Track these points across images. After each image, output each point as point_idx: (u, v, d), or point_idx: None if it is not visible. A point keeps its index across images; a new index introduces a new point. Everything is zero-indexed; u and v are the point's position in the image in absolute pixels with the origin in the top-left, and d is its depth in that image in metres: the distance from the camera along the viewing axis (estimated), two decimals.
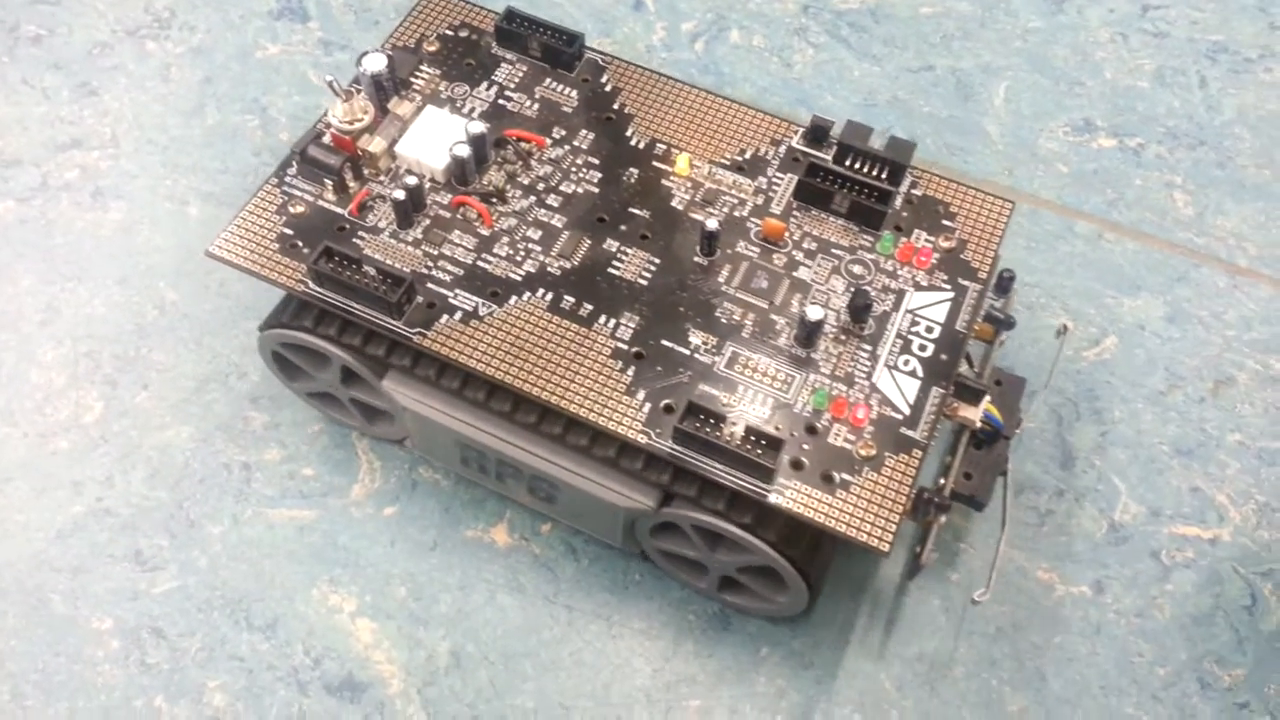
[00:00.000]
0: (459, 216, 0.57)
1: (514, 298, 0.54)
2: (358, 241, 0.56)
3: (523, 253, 0.56)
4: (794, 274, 0.56)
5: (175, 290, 0.69)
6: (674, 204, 0.58)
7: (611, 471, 0.54)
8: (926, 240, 0.57)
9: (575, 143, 0.60)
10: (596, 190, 0.58)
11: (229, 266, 0.56)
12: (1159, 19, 0.85)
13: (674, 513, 0.53)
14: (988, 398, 0.55)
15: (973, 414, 0.54)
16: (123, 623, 0.59)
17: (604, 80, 0.62)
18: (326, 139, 0.58)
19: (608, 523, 0.57)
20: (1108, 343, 0.69)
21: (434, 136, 0.58)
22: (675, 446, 0.51)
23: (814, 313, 0.52)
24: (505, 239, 0.56)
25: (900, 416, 0.52)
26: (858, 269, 0.56)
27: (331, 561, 0.61)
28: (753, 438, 0.50)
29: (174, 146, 0.75)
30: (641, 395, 0.52)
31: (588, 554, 0.61)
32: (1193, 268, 0.72)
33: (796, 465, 0.51)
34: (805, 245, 0.57)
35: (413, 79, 0.61)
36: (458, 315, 0.54)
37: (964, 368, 0.56)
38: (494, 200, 0.57)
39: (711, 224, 0.55)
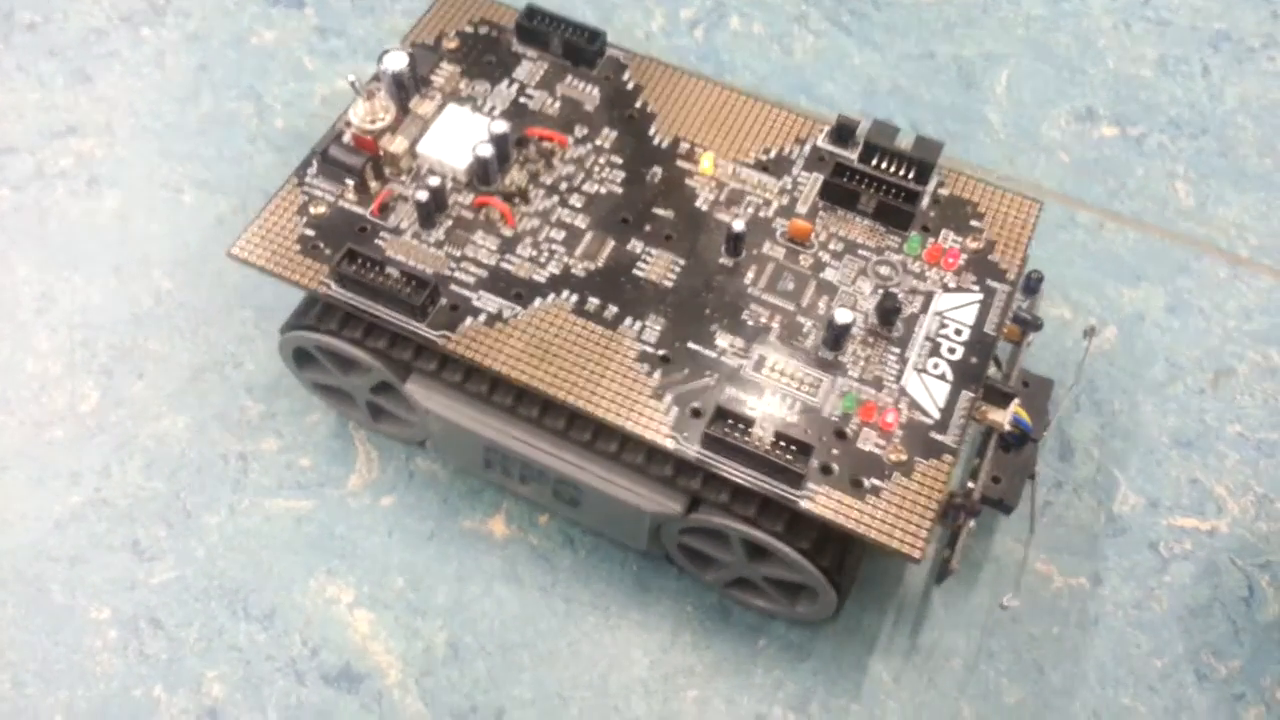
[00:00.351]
0: (481, 217, 0.56)
1: (538, 299, 0.54)
2: (379, 243, 0.55)
3: (546, 254, 0.55)
4: (821, 275, 0.55)
5: (170, 279, 0.69)
6: (698, 204, 0.57)
7: (639, 476, 0.53)
8: (954, 241, 0.57)
9: (598, 141, 0.59)
10: (620, 190, 0.58)
11: (251, 268, 0.55)
12: (1162, 6, 0.84)
13: (701, 518, 0.53)
14: (1016, 400, 0.54)
15: (1001, 417, 0.54)
16: (121, 612, 0.59)
17: (626, 78, 0.62)
18: (347, 138, 0.57)
19: (633, 527, 0.56)
20: (1108, 333, 0.69)
21: (455, 136, 0.57)
22: (703, 451, 0.50)
23: (842, 316, 0.51)
24: (528, 240, 0.56)
25: (930, 421, 0.51)
26: (885, 270, 0.56)
27: (329, 552, 0.61)
28: (782, 443, 0.49)
29: (169, 134, 0.75)
30: (668, 399, 0.52)
31: (585, 545, 0.61)
32: (1194, 258, 0.72)
33: (826, 470, 0.50)
34: (832, 246, 0.56)
35: (433, 76, 0.60)
36: (482, 317, 0.53)
37: (991, 369, 0.56)
38: (516, 200, 0.57)
39: (738, 225, 0.54)
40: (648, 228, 0.57)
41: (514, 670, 0.58)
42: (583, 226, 0.56)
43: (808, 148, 0.60)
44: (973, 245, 0.57)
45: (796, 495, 0.49)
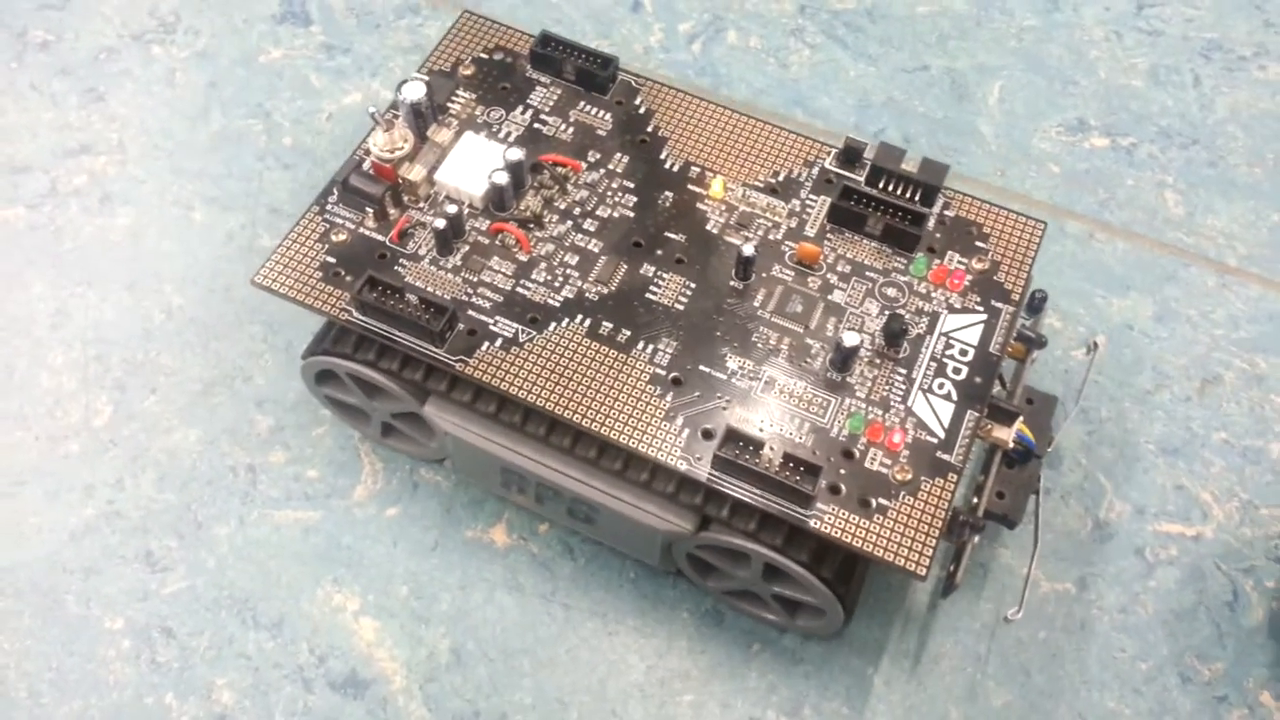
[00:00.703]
0: (497, 243, 0.58)
1: (553, 324, 0.55)
2: (399, 269, 0.57)
3: (561, 278, 0.57)
4: (829, 297, 0.57)
5: (181, 295, 0.71)
6: (709, 227, 0.59)
7: (648, 495, 0.55)
8: (959, 262, 0.58)
9: (610, 166, 0.61)
10: (632, 214, 0.59)
11: (274, 296, 0.56)
12: (1154, 16, 0.85)
13: (712, 536, 0.54)
14: (1020, 419, 0.55)
15: (1006, 434, 0.55)
16: (134, 622, 0.61)
17: (638, 102, 0.63)
18: (367, 167, 0.59)
19: (646, 545, 0.58)
20: (1094, 340, 0.70)
21: (472, 163, 0.59)
22: (714, 472, 0.52)
23: (850, 339, 0.53)
24: (543, 264, 0.57)
25: (935, 440, 0.53)
26: (891, 292, 0.57)
27: (335, 562, 0.63)
28: (791, 464, 0.51)
29: (180, 152, 0.77)
30: (680, 421, 0.53)
31: (584, 553, 0.63)
32: (1182, 267, 0.73)
33: (834, 490, 0.51)
34: (839, 268, 0.58)
35: (449, 104, 0.62)
36: (498, 342, 0.55)
37: (995, 387, 0.57)
38: (531, 226, 0.58)
39: (748, 249, 0.55)
40: (659, 252, 0.58)
41: (515, 676, 0.60)
42: (596, 251, 0.58)
43: (815, 170, 0.61)
44: (978, 266, 0.58)
45: (805, 515, 0.51)
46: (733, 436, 0.51)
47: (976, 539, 0.56)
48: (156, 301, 0.71)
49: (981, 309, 0.57)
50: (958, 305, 0.57)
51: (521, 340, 0.55)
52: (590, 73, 0.63)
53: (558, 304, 0.56)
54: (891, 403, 0.54)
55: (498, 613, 0.61)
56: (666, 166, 0.61)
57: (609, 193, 0.60)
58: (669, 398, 0.54)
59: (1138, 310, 0.71)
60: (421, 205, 0.59)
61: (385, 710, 0.59)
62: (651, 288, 0.57)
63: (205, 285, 0.71)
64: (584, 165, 0.60)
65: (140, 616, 0.61)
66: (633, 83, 0.64)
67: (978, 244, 0.59)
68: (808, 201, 0.60)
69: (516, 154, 0.57)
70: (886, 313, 0.56)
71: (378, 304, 0.54)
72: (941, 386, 0.54)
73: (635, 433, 0.53)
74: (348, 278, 0.56)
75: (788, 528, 0.52)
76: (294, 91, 0.80)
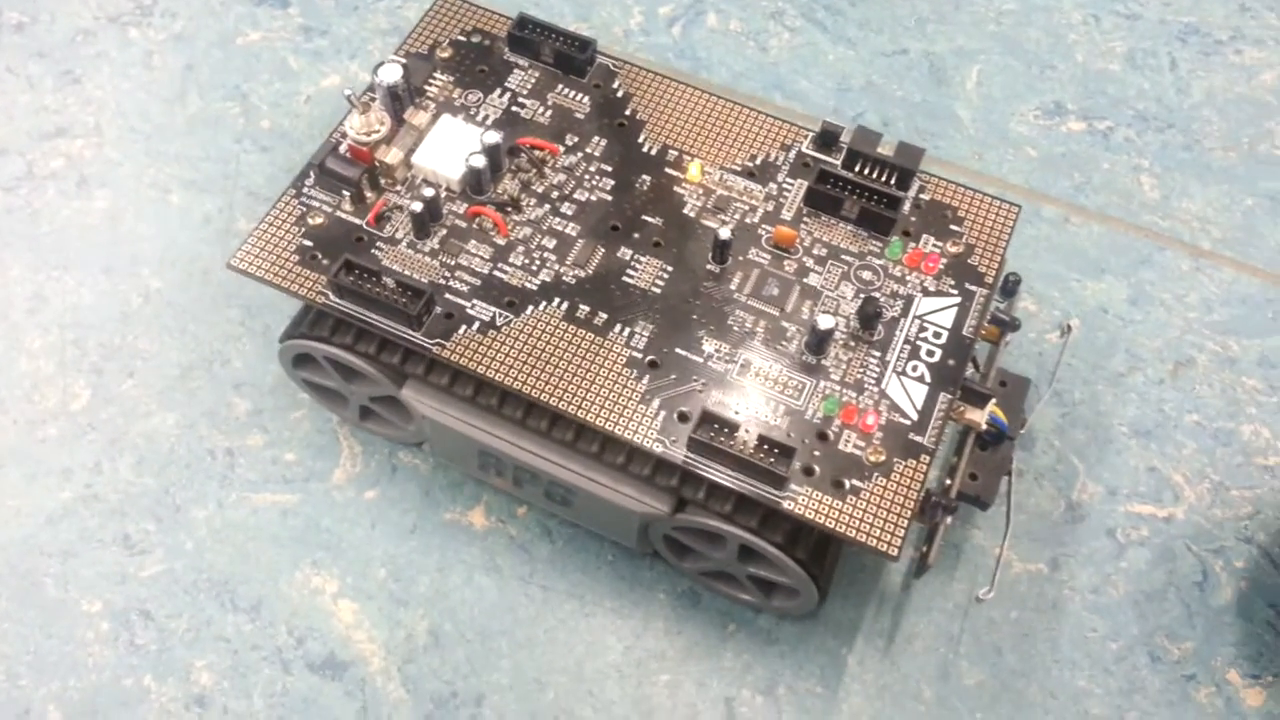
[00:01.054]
0: (475, 226, 0.58)
1: (530, 307, 0.55)
2: (376, 252, 0.57)
3: (538, 262, 0.57)
4: (804, 280, 0.57)
5: (159, 278, 0.71)
6: (686, 211, 0.59)
7: (625, 477, 0.55)
8: (934, 246, 0.58)
9: (588, 150, 0.61)
10: (610, 198, 0.59)
11: (251, 279, 0.56)
12: (1132, 0, 0.85)
13: (688, 518, 0.55)
14: (993, 401, 0.56)
15: (978, 417, 0.56)
16: (112, 605, 0.61)
17: (616, 86, 0.63)
18: (343, 150, 0.59)
19: (622, 527, 0.58)
20: (1068, 322, 0.70)
21: (449, 146, 0.59)
22: (690, 454, 0.52)
23: (824, 322, 0.53)
24: (521, 248, 0.57)
25: (908, 422, 0.53)
26: (867, 275, 0.57)
27: (314, 544, 0.63)
28: (765, 446, 0.51)
29: (157, 134, 0.77)
30: (656, 404, 0.53)
31: (562, 535, 0.64)
32: (1156, 250, 0.74)
33: (808, 471, 0.52)
34: (815, 251, 0.58)
35: (426, 86, 0.62)
36: (475, 326, 0.55)
37: (969, 369, 0.57)
38: (509, 209, 0.58)
39: (724, 233, 0.56)
40: (637, 235, 0.58)
41: (493, 657, 0.60)
42: (574, 234, 0.58)
43: (792, 154, 0.61)
44: (952, 249, 0.58)
45: (779, 496, 0.51)
46: (708, 419, 0.52)
47: (949, 520, 0.56)
48: (134, 285, 0.71)
49: (955, 292, 0.57)
50: (932, 288, 0.57)
51: (499, 324, 0.55)
52: (568, 56, 0.63)
53: (535, 287, 0.56)
54: (866, 385, 0.54)
55: (476, 594, 0.62)
56: (644, 150, 0.61)
57: (587, 176, 0.60)
58: (645, 380, 0.54)
59: (1112, 293, 0.72)
60: (398, 188, 0.59)
61: (364, 691, 0.59)
62: (629, 271, 0.57)
63: (183, 269, 0.71)
64: (561, 149, 0.60)
65: (119, 599, 0.61)
66: (611, 66, 0.64)
67: (952, 227, 0.59)
68: (784, 185, 0.60)
69: (494, 137, 0.57)
70: (861, 296, 0.56)
71: (354, 287, 0.54)
72: (915, 369, 0.55)
73: (612, 416, 0.53)
74: (324, 261, 0.56)
75: (763, 510, 0.53)
76: (272, 74, 0.80)
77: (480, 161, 0.57)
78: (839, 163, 0.60)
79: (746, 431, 0.52)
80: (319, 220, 0.58)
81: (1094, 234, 0.74)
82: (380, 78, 0.58)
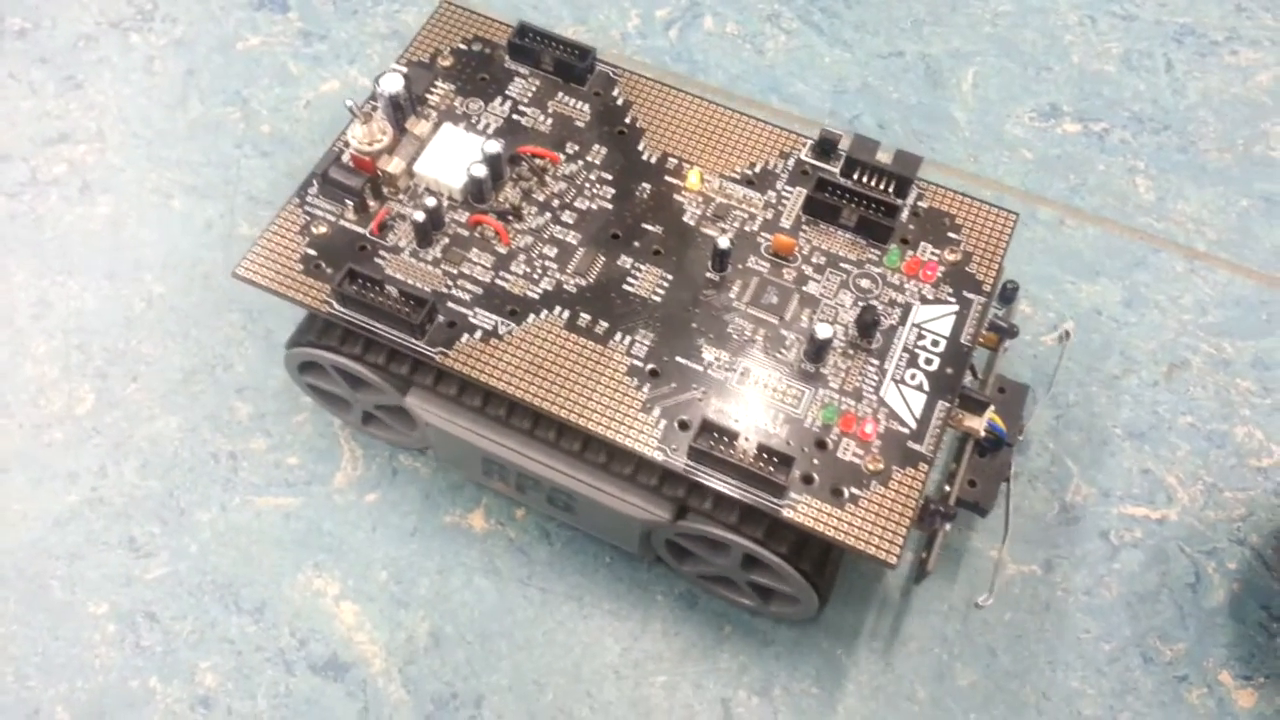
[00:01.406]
0: (477, 235, 0.58)
1: (532, 316, 0.56)
2: (379, 261, 0.57)
3: (539, 270, 0.57)
4: (803, 289, 0.57)
5: (162, 283, 0.72)
6: (686, 219, 0.59)
7: (628, 485, 0.56)
8: (932, 254, 0.59)
9: (588, 158, 0.61)
10: (610, 206, 0.60)
11: (256, 288, 0.57)
12: (1128, 1, 0.86)
13: (689, 525, 0.55)
14: (991, 408, 0.56)
15: (977, 424, 0.56)
16: (118, 607, 0.62)
17: (615, 94, 0.64)
18: (346, 159, 0.59)
19: (624, 533, 0.59)
20: (1065, 328, 0.71)
21: (451, 155, 0.59)
22: (690, 463, 0.52)
23: (823, 331, 0.53)
24: (522, 257, 0.58)
25: (907, 430, 0.54)
26: (865, 283, 0.58)
27: (316, 547, 0.64)
28: (765, 454, 0.52)
29: (158, 140, 0.77)
30: (657, 412, 0.54)
31: (561, 538, 0.64)
32: (1151, 252, 0.74)
33: (807, 480, 0.52)
34: (814, 260, 0.58)
35: (428, 95, 0.62)
36: (478, 334, 0.55)
37: (967, 376, 0.57)
38: (510, 218, 0.59)
39: (724, 242, 0.56)
40: (637, 243, 0.59)
41: (492, 658, 0.61)
42: (574, 243, 0.58)
43: (791, 162, 0.61)
44: (950, 257, 0.58)
45: (779, 504, 0.52)
46: (708, 427, 0.52)
47: (948, 527, 0.57)
48: (137, 290, 0.71)
49: (953, 300, 0.57)
50: (930, 296, 0.57)
51: (501, 332, 0.56)
52: (568, 64, 0.63)
53: (536, 296, 0.57)
54: (864, 393, 0.54)
55: (475, 596, 0.63)
56: (644, 158, 0.62)
57: (587, 184, 0.60)
58: (646, 389, 0.54)
59: (1107, 296, 0.72)
60: (401, 197, 0.59)
61: (365, 692, 0.60)
62: (629, 279, 0.58)
63: (185, 273, 0.72)
64: (562, 157, 0.61)
65: (124, 601, 0.62)
66: (610, 73, 0.65)
67: (950, 235, 0.59)
68: (783, 193, 0.60)
69: (495, 146, 0.58)
70: (860, 304, 0.57)
71: (358, 296, 0.55)
72: (914, 377, 0.55)
73: (613, 424, 0.53)
74: (328, 270, 0.57)
75: (769, 520, 0.53)
76: (272, 79, 0.80)
77: (481, 170, 0.57)
78: (837, 170, 0.61)
79: (746, 440, 0.52)
80: (323, 229, 0.58)
81: (1089, 236, 0.75)
82: (382, 87, 0.59)
